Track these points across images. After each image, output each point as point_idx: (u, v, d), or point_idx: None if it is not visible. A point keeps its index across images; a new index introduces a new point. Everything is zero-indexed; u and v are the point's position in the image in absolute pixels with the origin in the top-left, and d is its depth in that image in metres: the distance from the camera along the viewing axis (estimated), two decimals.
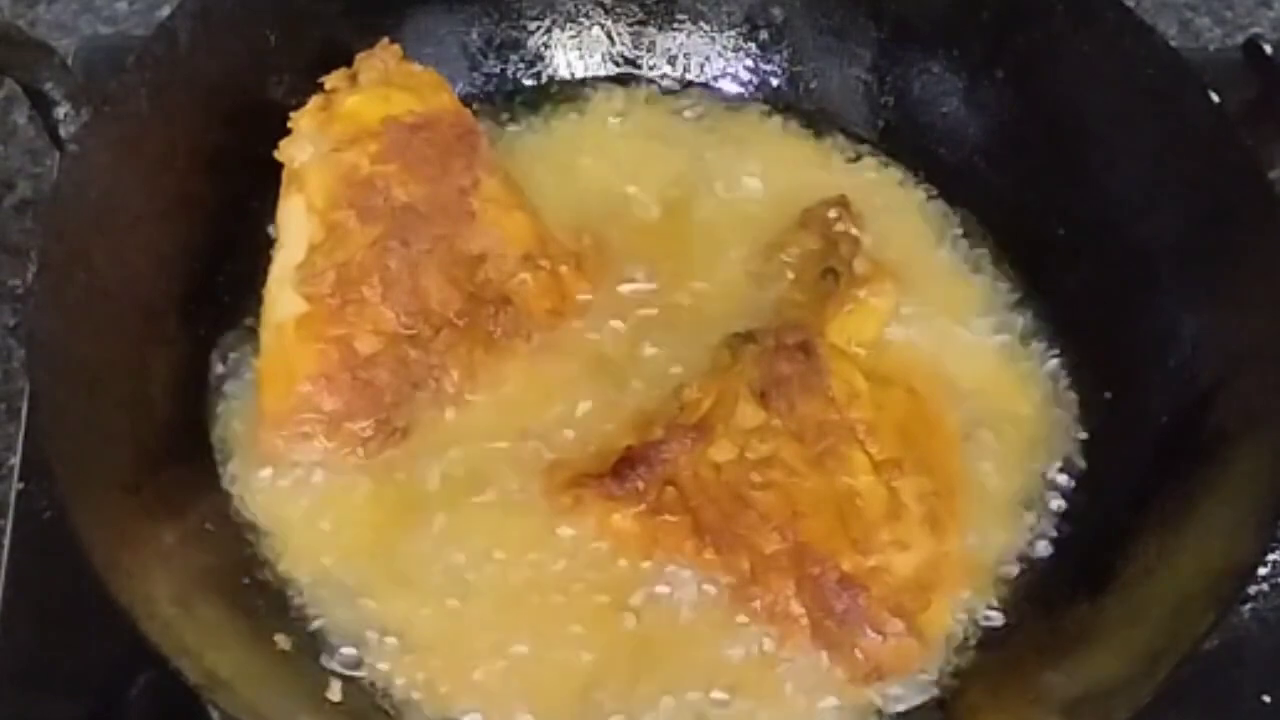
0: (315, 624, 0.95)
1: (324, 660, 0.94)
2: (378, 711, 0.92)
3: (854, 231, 1.09)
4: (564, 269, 1.06)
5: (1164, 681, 0.85)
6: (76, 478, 0.87)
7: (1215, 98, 1.04)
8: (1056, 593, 0.97)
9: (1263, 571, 1.03)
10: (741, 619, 0.95)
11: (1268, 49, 1.04)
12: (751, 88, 1.20)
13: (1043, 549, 1.00)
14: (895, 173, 1.16)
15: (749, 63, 1.21)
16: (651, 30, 1.21)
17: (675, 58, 1.21)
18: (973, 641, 0.96)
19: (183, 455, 0.99)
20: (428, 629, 0.95)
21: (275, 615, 0.95)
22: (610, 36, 1.21)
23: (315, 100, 1.03)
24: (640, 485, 0.96)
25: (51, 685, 0.97)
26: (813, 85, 1.20)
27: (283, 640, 0.93)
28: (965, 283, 1.11)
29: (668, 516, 0.96)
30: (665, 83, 1.21)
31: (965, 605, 0.97)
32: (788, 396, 0.97)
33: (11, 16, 1.36)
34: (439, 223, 1.02)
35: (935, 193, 1.15)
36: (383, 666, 0.94)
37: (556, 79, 1.20)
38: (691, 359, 1.04)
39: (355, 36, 1.08)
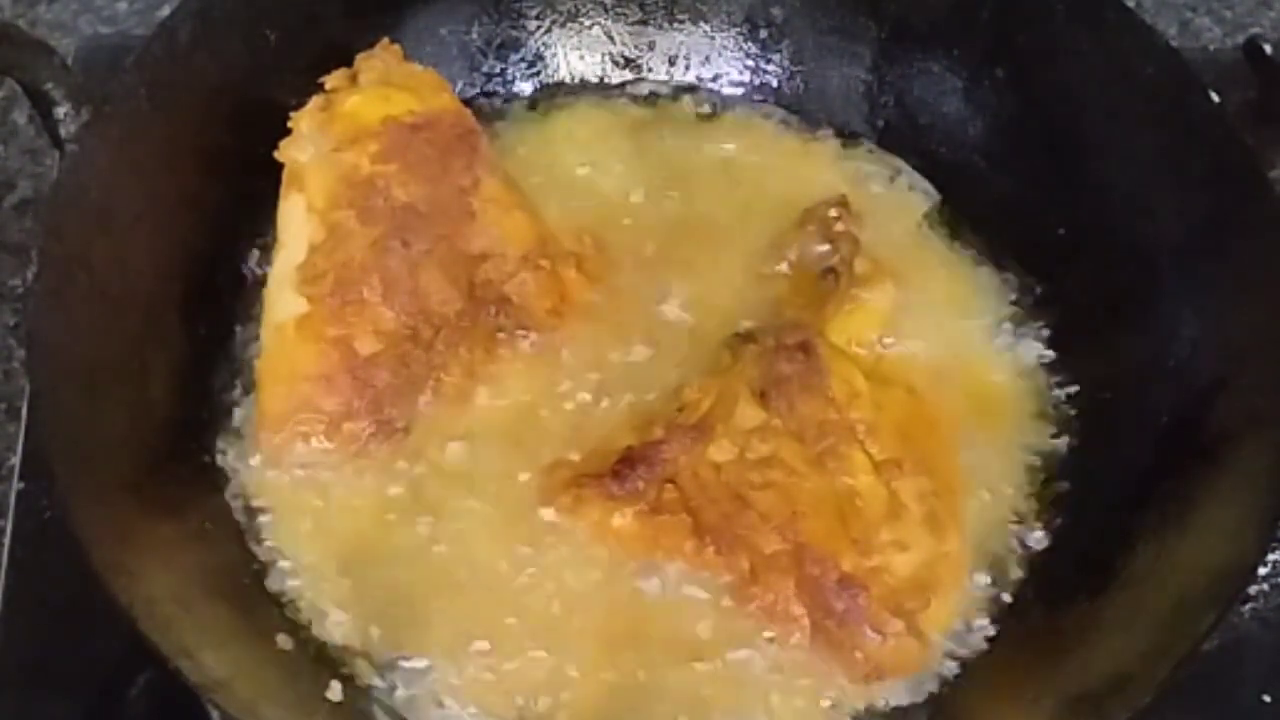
0: (315, 624, 0.95)
1: (324, 660, 0.94)
2: (378, 711, 0.92)
3: (854, 231, 1.09)
4: (564, 269, 1.06)
5: (1164, 681, 0.85)
6: (76, 478, 0.87)
7: (1215, 98, 1.04)
8: (1056, 592, 0.97)
9: (1263, 571, 1.03)
10: (741, 619, 0.95)
11: (1268, 49, 1.04)
12: (751, 88, 1.20)
13: (1043, 549, 1.00)
14: (895, 173, 1.16)
15: (749, 63, 1.21)
16: (651, 30, 1.21)
17: (675, 58, 1.21)
18: (973, 641, 0.96)
19: (183, 455, 0.99)
20: (428, 629, 0.94)
21: (275, 615, 0.95)
22: (610, 36, 1.21)
23: (315, 100, 1.03)
24: (640, 485, 0.96)
25: (51, 685, 0.97)
26: (813, 85, 1.20)
27: (283, 640, 0.93)
28: (965, 282, 1.11)
29: (668, 516, 0.96)
30: (665, 83, 1.21)
31: (965, 605, 0.97)
32: (788, 396, 0.97)
33: (11, 16, 1.36)
34: (439, 223, 1.02)
35: (935, 193, 1.15)
36: (384, 665, 0.94)
37: (556, 79, 1.20)
38: (691, 359, 1.04)
39: (355, 36, 1.08)
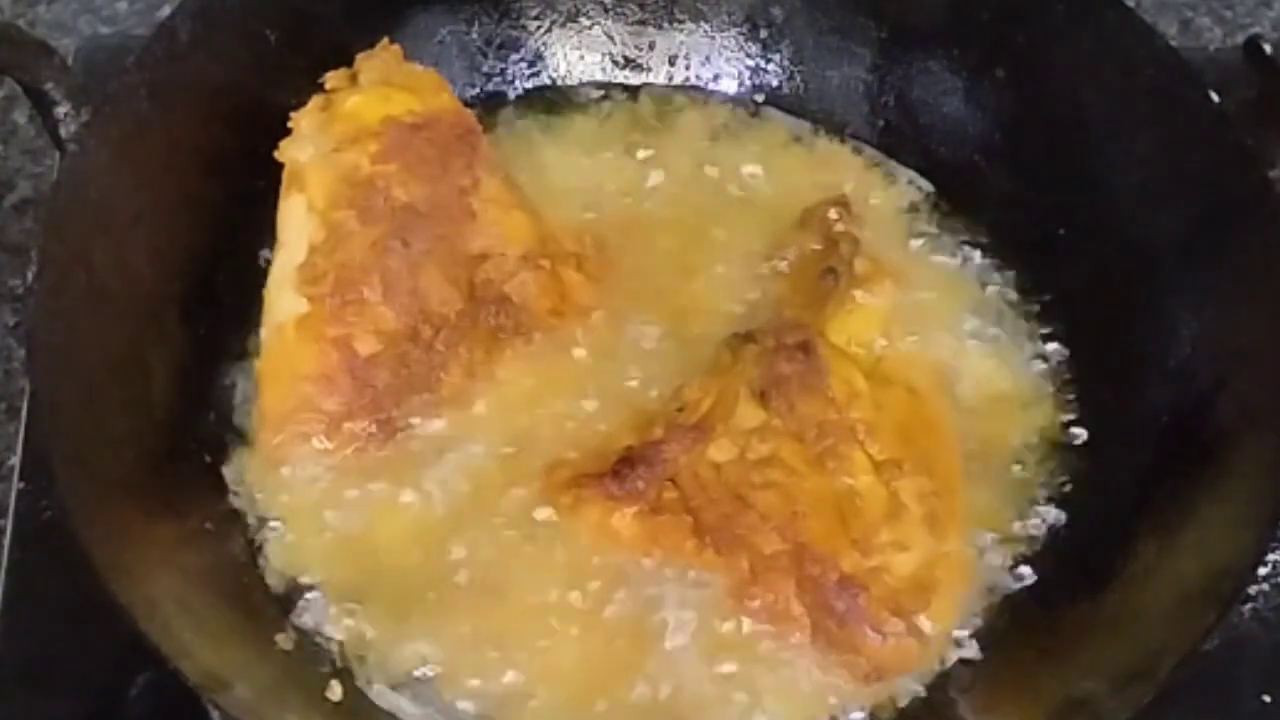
0: (315, 624, 0.95)
1: (324, 660, 0.94)
2: (378, 712, 0.92)
3: (854, 231, 1.09)
4: (564, 269, 1.06)
5: (1164, 681, 0.85)
6: (76, 478, 0.87)
7: (1215, 98, 1.04)
8: (1056, 592, 0.97)
9: (1263, 571, 1.03)
10: (741, 619, 0.95)
11: (1268, 49, 1.04)
12: (751, 88, 1.20)
13: (1042, 549, 1.00)
14: (895, 173, 1.16)
15: (749, 63, 1.21)
16: (651, 30, 1.21)
17: (675, 58, 1.21)
18: (973, 641, 0.96)
19: (183, 455, 0.99)
20: (428, 630, 0.94)
21: (275, 615, 0.95)
22: (610, 36, 1.21)
23: (315, 100, 1.03)
24: (640, 485, 0.96)
25: (51, 685, 0.97)
26: (813, 85, 1.19)
27: (283, 640, 0.93)
28: (965, 282, 1.11)
29: (668, 516, 0.96)
30: (665, 83, 1.21)
31: (965, 605, 0.97)
32: (788, 396, 0.97)
33: (11, 16, 1.36)
34: (439, 223, 1.02)
35: (935, 193, 1.15)
36: (383, 666, 0.94)
37: (556, 79, 1.20)
38: (691, 359, 1.04)
39: (355, 36, 1.08)
